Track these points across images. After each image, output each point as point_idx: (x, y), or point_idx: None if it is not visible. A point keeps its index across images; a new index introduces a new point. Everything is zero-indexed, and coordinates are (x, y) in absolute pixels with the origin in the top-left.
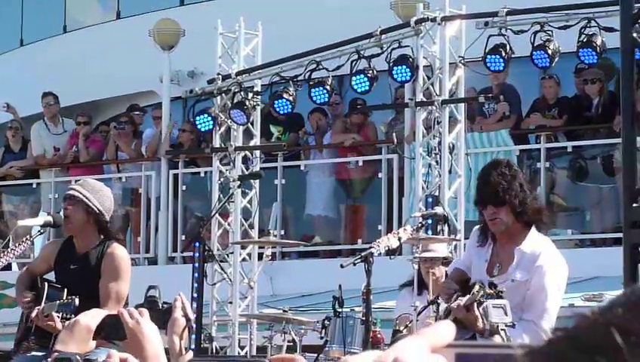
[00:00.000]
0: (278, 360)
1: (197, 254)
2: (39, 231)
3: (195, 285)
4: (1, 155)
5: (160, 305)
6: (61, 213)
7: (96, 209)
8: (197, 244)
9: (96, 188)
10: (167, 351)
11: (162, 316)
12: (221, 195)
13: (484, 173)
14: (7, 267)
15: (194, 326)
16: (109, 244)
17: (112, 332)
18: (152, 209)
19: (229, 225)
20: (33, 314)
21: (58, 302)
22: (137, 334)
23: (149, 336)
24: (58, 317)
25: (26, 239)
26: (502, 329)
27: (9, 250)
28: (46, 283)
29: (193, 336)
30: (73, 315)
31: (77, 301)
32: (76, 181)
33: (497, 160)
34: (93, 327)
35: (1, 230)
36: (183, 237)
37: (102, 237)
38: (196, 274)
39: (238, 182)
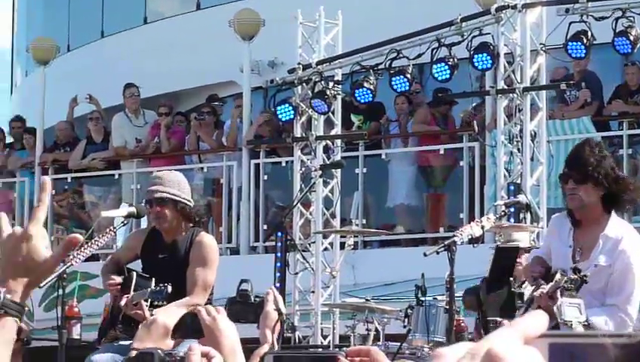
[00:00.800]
0: (355, 352)
1: (279, 244)
2: (122, 222)
3: (278, 274)
4: (83, 147)
5: (252, 299)
6: (143, 204)
7: (185, 202)
8: (279, 234)
9: (176, 180)
10: (244, 342)
11: (254, 309)
12: (302, 185)
13: (574, 148)
14: (91, 258)
15: (285, 319)
16: (197, 232)
17: (189, 330)
18: (234, 199)
19: (310, 214)
20: (122, 303)
21: (150, 289)
22: (214, 331)
23: (226, 333)
24: (147, 304)
25: (110, 230)
26: (583, 325)
27: (93, 241)
28: (134, 273)
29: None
30: (165, 302)
31: (169, 288)
32: (155, 175)
33: (589, 139)
34: (171, 326)
35: (83, 220)
36: (265, 227)
37: (190, 225)
38: (278, 264)
39: (320, 172)
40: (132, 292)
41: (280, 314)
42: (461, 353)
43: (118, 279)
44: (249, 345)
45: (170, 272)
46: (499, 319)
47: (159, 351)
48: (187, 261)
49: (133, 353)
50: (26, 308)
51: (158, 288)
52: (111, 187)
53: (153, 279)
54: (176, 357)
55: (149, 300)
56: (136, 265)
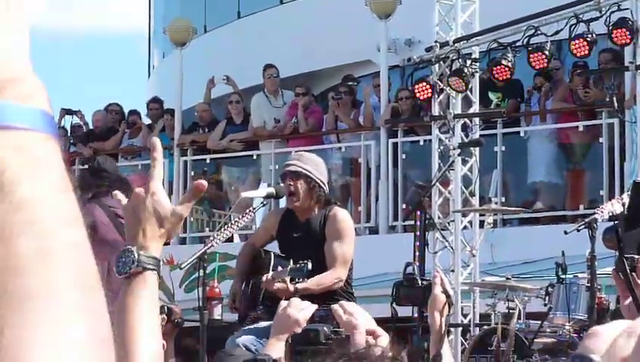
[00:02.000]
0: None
1: (418, 223)
2: (262, 202)
3: (417, 253)
4: (222, 128)
5: (419, 282)
6: (281, 185)
7: (319, 182)
8: (418, 213)
9: (314, 161)
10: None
11: (422, 293)
12: (441, 163)
13: None
14: (230, 239)
15: (453, 302)
16: (330, 208)
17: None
18: (372, 178)
19: (449, 193)
20: (263, 280)
21: (289, 266)
22: (352, 329)
23: (363, 329)
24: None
25: (249, 211)
26: None
27: (232, 222)
28: (272, 254)
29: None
30: (306, 279)
31: (310, 265)
32: (295, 153)
33: None
34: (303, 322)
35: (221, 201)
36: (404, 206)
37: (318, 206)
38: (418, 243)
39: (458, 150)
40: (271, 272)
41: (448, 296)
42: (617, 331)
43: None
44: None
45: (306, 251)
46: (636, 256)
47: (324, 327)
48: (323, 237)
49: (298, 329)
50: (161, 262)
51: (299, 265)
52: (249, 168)
53: (291, 260)
54: (341, 335)
55: (290, 277)
56: (273, 248)
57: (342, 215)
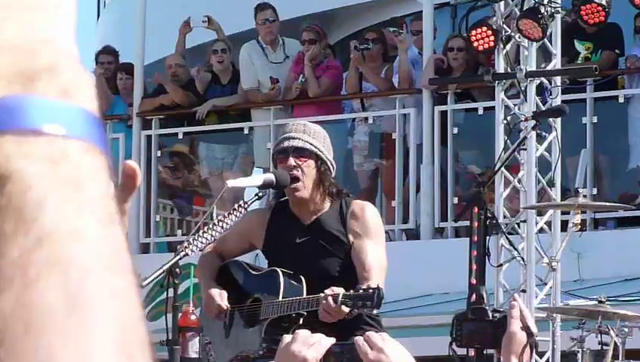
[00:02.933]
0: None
1: (475, 224)
2: (256, 194)
3: (474, 267)
4: (204, 87)
5: (489, 314)
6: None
7: (330, 165)
8: (476, 210)
9: (322, 135)
10: None
11: (494, 329)
12: (508, 141)
13: None
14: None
15: (537, 342)
16: (347, 202)
17: None
18: (411, 161)
19: (519, 182)
20: (325, 305)
21: (350, 292)
22: None
23: None
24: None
25: (239, 206)
26: None
27: (216, 221)
28: (279, 272)
29: None
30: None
31: (304, 282)
32: (295, 123)
33: None
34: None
35: (200, 193)
36: (456, 201)
37: (328, 199)
38: (475, 252)
39: (532, 122)
40: (280, 299)
41: (530, 335)
42: None
43: (224, 304)
44: None
45: (317, 260)
46: None
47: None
48: (344, 237)
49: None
50: None
51: (362, 290)
52: (238, 146)
53: (302, 277)
54: None
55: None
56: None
57: (368, 210)
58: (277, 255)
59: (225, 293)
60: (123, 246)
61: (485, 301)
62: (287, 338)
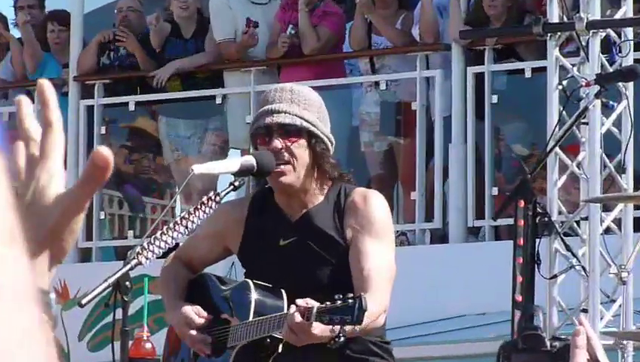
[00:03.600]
0: None
1: (520, 222)
2: (232, 183)
3: (519, 279)
4: (161, 42)
5: (546, 343)
6: (251, 137)
7: (327, 141)
8: (521, 204)
9: (317, 102)
10: None
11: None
12: (563, 111)
13: None
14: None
15: None
16: (347, 189)
17: None
18: (437, 140)
19: (578, 166)
20: (289, 325)
21: (329, 305)
22: None
23: None
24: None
25: (209, 199)
26: None
27: (179, 219)
28: (249, 283)
29: None
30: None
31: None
32: (279, 88)
33: None
34: None
35: (157, 181)
36: (495, 192)
37: (325, 187)
38: (520, 260)
39: (596, 88)
40: (250, 318)
41: None
42: None
43: (202, 315)
44: None
45: (306, 269)
46: None
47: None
48: (340, 238)
49: None
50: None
51: (344, 301)
52: (209, 120)
53: (282, 291)
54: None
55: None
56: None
57: (372, 200)
58: (255, 261)
59: (200, 309)
60: (25, 271)
61: (540, 324)
62: None
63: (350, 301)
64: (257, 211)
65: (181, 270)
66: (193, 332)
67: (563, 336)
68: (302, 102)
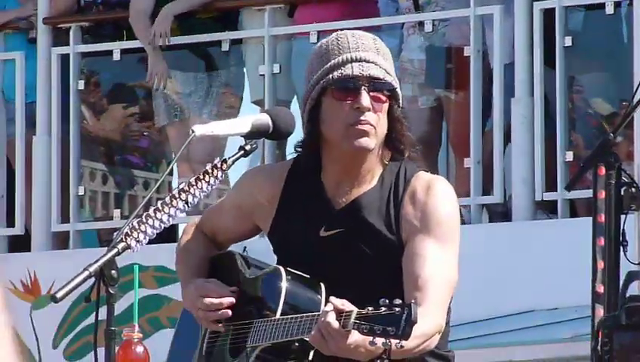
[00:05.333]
0: None
1: (601, 194)
2: (243, 147)
3: (599, 265)
4: None
5: None
6: (313, 94)
7: (401, 102)
8: (600, 172)
9: (390, 56)
10: None
11: None
12: None
13: None
14: (171, 233)
15: None
16: (407, 171)
17: None
18: (497, 94)
19: None
20: (318, 330)
21: (370, 310)
22: None
23: None
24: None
25: (215, 166)
26: None
27: (176, 192)
28: (281, 271)
29: None
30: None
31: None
32: (355, 34)
33: None
34: None
35: (149, 147)
36: (570, 157)
37: (381, 165)
38: (601, 241)
39: None
40: (278, 315)
41: None
42: None
43: (226, 300)
44: None
45: (350, 267)
46: None
47: None
48: (395, 232)
49: None
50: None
51: (390, 308)
52: (214, 73)
53: (322, 285)
54: None
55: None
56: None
57: (438, 190)
58: (289, 249)
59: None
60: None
61: None
62: None
63: (397, 309)
64: (296, 186)
65: (203, 244)
66: (207, 300)
67: None
68: (386, 54)
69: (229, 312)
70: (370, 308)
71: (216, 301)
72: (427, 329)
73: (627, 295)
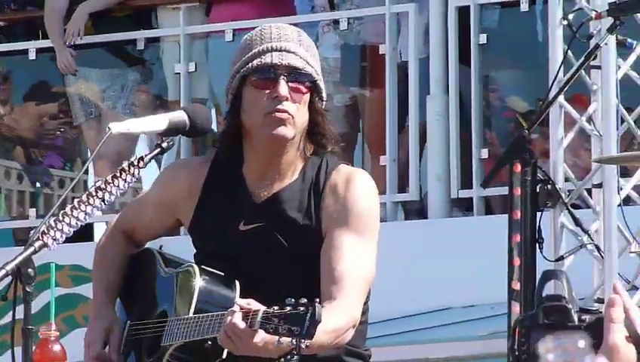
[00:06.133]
0: None
1: (517, 191)
2: (159, 144)
3: (516, 262)
4: None
5: (573, 317)
6: (233, 82)
7: (323, 97)
8: (516, 169)
9: (314, 47)
10: None
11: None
12: (570, 53)
13: None
14: (87, 230)
15: None
16: (328, 164)
17: None
18: (412, 91)
19: (589, 121)
20: (226, 329)
21: (275, 309)
22: None
23: None
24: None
25: (131, 165)
26: None
27: (93, 190)
28: (194, 269)
29: None
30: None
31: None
32: (269, 27)
33: None
34: None
35: (64, 149)
36: (485, 154)
37: (302, 159)
38: (517, 238)
39: (610, 21)
40: (191, 314)
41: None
42: None
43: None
44: None
45: (270, 263)
46: None
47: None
48: (316, 228)
49: None
50: None
51: (295, 308)
52: (129, 71)
53: (236, 282)
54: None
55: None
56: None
57: (358, 183)
58: (208, 244)
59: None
60: None
61: (564, 293)
62: None
63: (302, 309)
64: (217, 180)
65: (119, 249)
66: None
67: (594, 308)
68: (309, 47)
69: None
70: (275, 308)
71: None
72: (341, 323)
73: (543, 294)
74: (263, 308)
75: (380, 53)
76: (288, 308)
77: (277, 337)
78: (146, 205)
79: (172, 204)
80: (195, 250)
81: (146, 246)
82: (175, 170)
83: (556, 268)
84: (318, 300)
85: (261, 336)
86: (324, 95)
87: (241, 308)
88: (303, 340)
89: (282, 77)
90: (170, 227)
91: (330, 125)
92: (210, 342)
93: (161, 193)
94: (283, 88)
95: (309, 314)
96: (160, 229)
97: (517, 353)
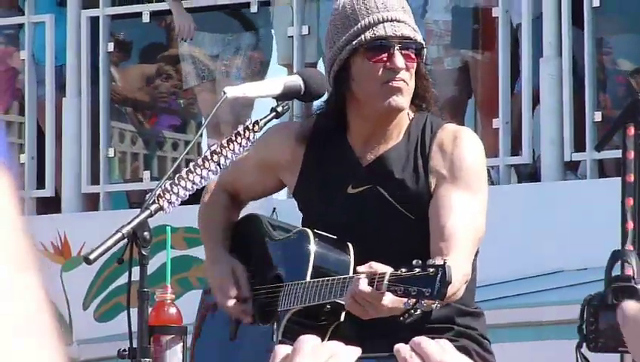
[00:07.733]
0: None
1: (630, 154)
2: (274, 108)
3: (629, 225)
4: None
5: None
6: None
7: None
8: (629, 132)
9: (407, 6)
10: None
11: None
12: None
13: None
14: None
15: None
16: (433, 124)
17: None
18: (525, 54)
19: None
20: (355, 290)
21: (404, 271)
22: None
23: None
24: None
25: (246, 128)
26: None
27: (208, 154)
28: (309, 233)
29: None
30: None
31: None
32: None
33: None
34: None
35: (178, 113)
36: (598, 117)
37: (406, 120)
38: (630, 201)
39: None
40: (308, 278)
41: None
42: None
43: (236, 293)
44: None
45: (380, 224)
46: None
47: None
48: (425, 187)
49: None
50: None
51: (423, 269)
52: (242, 35)
53: (349, 245)
54: None
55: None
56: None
57: (465, 140)
58: (315, 208)
59: (242, 273)
60: (40, 300)
61: (635, 273)
62: (281, 351)
63: (431, 270)
64: (321, 145)
65: (225, 205)
66: (231, 302)
67: None
68: (409, 11)
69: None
70: (403, 270)
71: (237, 310)
72: (455, 281)
73: (612, 274)
74: (389, 270)
75: (493, 16)
76: (417, 269)
77: (405, 299)
78: (247, 166)
79: (275, 166)
80: (301, 214)
81: (253, 213)
82: (278, 132)
83: None
84: (447, 259)
85: (390, 298)
86: (426, 58)
87: (366, 273)
88: (434, 301)
89: (397, 48)
90: (271, 187)
91: (432, 87)
92: (329, 306)
93: (264, 154)
94: (399, 60)
95: (439, 275)
96: (264, 189)
97: (585, 332)
